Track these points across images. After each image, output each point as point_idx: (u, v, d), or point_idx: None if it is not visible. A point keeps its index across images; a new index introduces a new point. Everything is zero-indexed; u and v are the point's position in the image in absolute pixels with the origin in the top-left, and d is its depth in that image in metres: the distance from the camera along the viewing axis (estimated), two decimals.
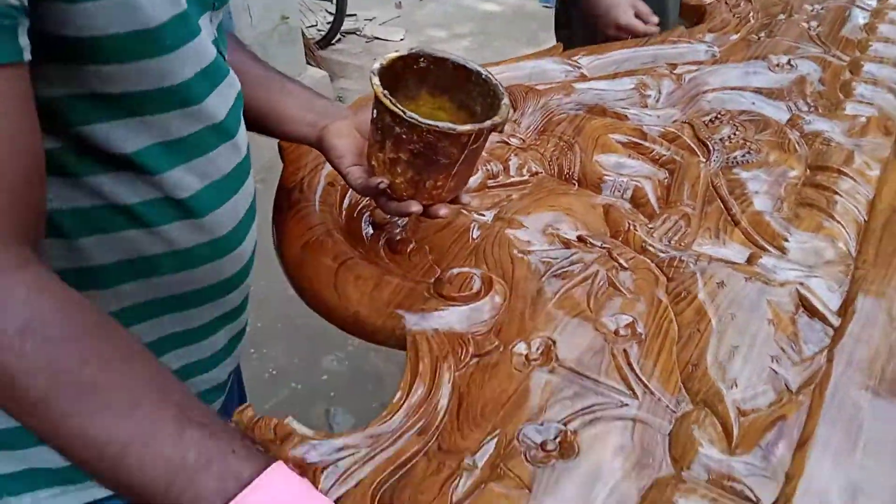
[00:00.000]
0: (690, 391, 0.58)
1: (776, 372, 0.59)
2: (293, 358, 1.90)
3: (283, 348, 1.92)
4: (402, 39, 3.66)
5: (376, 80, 0.61)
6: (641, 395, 0.57)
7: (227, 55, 0.64)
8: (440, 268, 0.69)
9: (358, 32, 3.69)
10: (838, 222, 0.73)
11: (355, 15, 3.74)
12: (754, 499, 0.51)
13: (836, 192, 0.77)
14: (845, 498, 0.51)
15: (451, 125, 0.59)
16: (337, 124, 0.70)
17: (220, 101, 0.59)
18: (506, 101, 0.64)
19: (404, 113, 0.58)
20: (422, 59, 0.66)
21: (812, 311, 0.64)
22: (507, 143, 0.85)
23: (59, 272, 0.46)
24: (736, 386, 0.58)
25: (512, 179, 0.80)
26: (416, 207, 0.65)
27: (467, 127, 0.59)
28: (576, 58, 0.99)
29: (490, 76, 0.66)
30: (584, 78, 0.97)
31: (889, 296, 0.65)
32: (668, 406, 0.57)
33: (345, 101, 2.84)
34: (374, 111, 0.62)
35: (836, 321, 0.63)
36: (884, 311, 0.64)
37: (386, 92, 0.60)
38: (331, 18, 3.47)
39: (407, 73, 0.66)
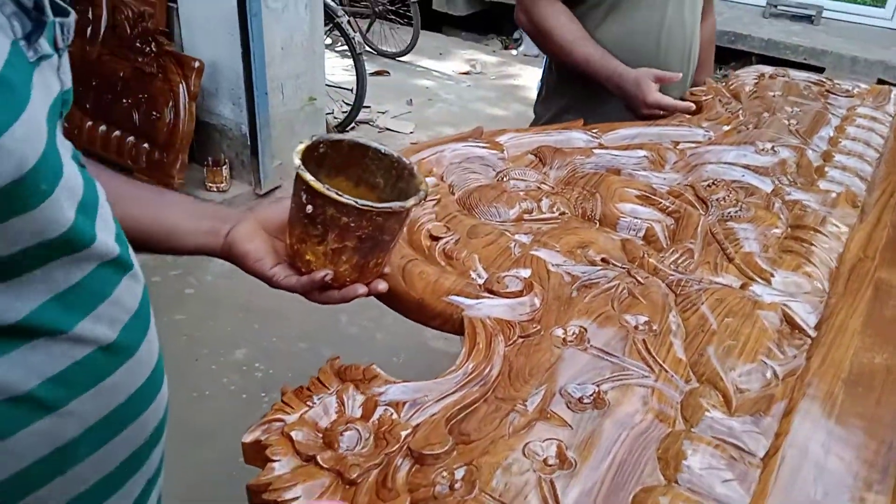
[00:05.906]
0: (697, 373, 0.71)
1: (766, 363, 0.72)
2: None
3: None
4: (411, 132, 3.93)
5: (310, 176, 0.60)
6: (658, 372, 0.70)
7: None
8: (488, 273, 0.83)
9: (371, 123, 3.96)
10: (815, 266, 0.89)
11: (370, 107, 4.03)
12: (749, 449, 0.63)
13: (813, 245, 0.93)
14: (823, 450, 0.63)
15: (400, 204, 0.63)
16: (241, 228, 0.67)
17: (104, 227, 0.50)
18: (415, 168, 0.69)
19: (356, 202, 0.59)
20: (321, 146, 0.68)
21: (793, 325, 0.78)
22: (539, 189, 1.01)
23: None
24: (734, 370, 0.71)
25: (544, 216, 0.96)
26: (362, 290, 0.65)
27: (412, 201, 0.64)
28: (594, 130, 1.17)
29: (388, 150, 0.69)
30: (602, 146, 1.14)
31: (855, 318, 0.80)
32: (678, 383, 0.70)
33: None
34: (308, 206, 0.61)
35: (813, 333, 0.77)
36: (851, 328, 0.78)
37: (328, 186, 0.60)
38: (347, 108, 3.74)
39: (308, 161, 0.65)
